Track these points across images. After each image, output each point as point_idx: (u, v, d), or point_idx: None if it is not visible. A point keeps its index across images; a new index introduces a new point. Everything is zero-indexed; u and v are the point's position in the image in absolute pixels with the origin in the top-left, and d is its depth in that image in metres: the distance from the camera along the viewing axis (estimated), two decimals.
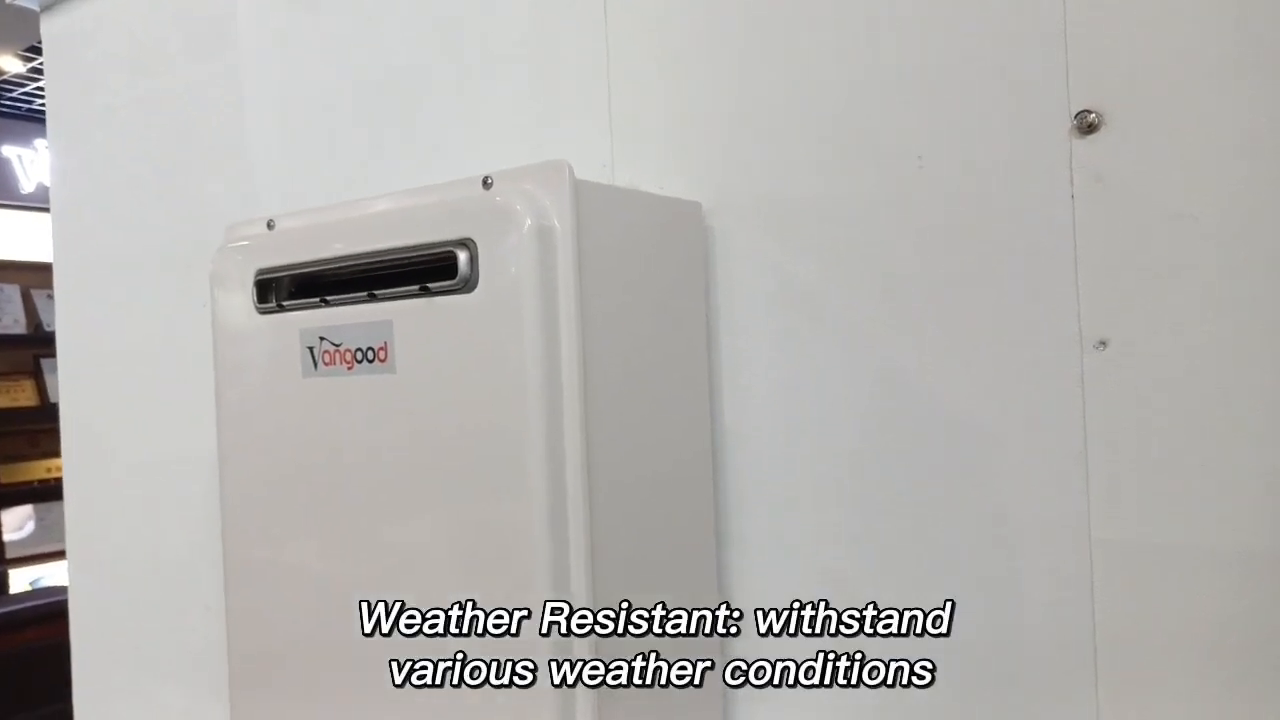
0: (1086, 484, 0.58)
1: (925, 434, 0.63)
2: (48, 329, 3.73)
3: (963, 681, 0.62)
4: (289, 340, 0.69)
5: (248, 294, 0.71)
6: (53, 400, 3.73)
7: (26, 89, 3.36)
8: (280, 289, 0.70)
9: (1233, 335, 0.54)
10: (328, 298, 0.66)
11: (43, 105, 3.59)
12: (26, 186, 3.57)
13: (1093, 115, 0.57)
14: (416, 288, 0.61)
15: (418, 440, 0.62)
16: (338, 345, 0.66)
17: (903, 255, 0.64)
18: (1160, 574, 0.56)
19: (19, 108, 3.53)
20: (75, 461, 1.22)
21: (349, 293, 0.65)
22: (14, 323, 3.64)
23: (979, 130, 0.61)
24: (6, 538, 3.69)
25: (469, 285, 0.59)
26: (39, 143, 3.57)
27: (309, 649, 0.71)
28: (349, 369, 0.65)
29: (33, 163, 3.53)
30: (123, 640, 1.16)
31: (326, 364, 0.67)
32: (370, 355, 0.64)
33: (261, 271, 0.70)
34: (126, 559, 1.15)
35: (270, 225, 0.73)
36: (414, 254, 0.61)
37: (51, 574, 3.65)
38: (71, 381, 1.21)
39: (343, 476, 0.67)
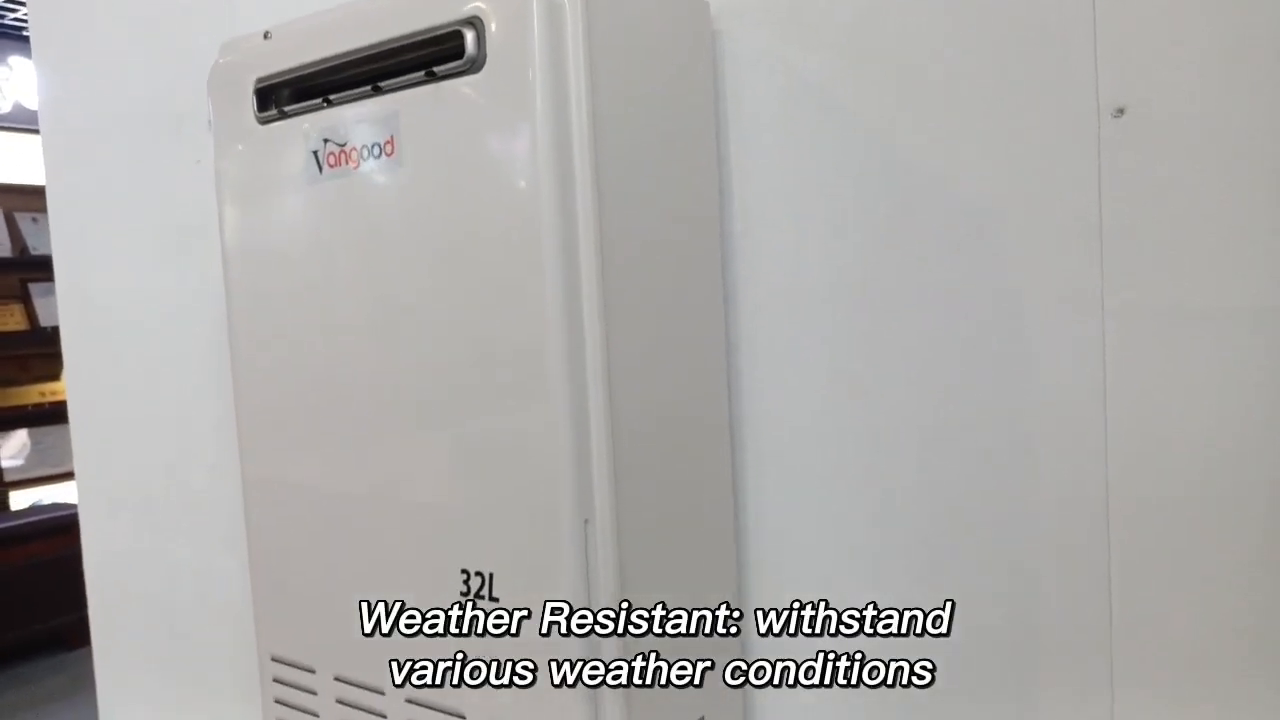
0: (1100, 253, 0.58)
1: (938, 222, 0.63)
2: (34, 253, 3.68)
3: (973, 449, 0.63)
4: (292, 147, 0.67)
5: (248, 105, 0.70)
6: (43, 324, 3.70)
7: None
8: (281, 96, 0.68)
9: (1251, 92, 0.53)
10: (330, 97, 0.65)
11: (16, 21, 3.48)
12: (3, 106, 3.48)
13: None
14: (422, 74, 0.60)
15: (427, 233, 0.62)
16: (342, 145, 0.65)
17: (915, 38, 0.63)
18: (1172, 335, 0.56)
19: None
20: (73, 328, 1.21)
21: (352, 89, 0.64)
22: None
23: None
24: (5, 464, 3.70)
25: (476, 65, 0.58)
26: (14, 60, 3.48)
27: (323, 464, 0.71)
28: (355, 167, 0.64)
29: (8, 80, 3.44)
30: (129, 502, 1.17)
31: (332, 165, 0.66)
32: (376, 150, 0.63)
33: (261, 80, 0.69)
34: (128, 423, 1.15)
35: (267, 35, 0.71)
36: (419, 38, 0.60)
37: (50, 497, 3.66)
38: (66, 249, 1.20)
39: (352, 287, 0.67)
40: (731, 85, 0.70)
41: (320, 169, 0.66)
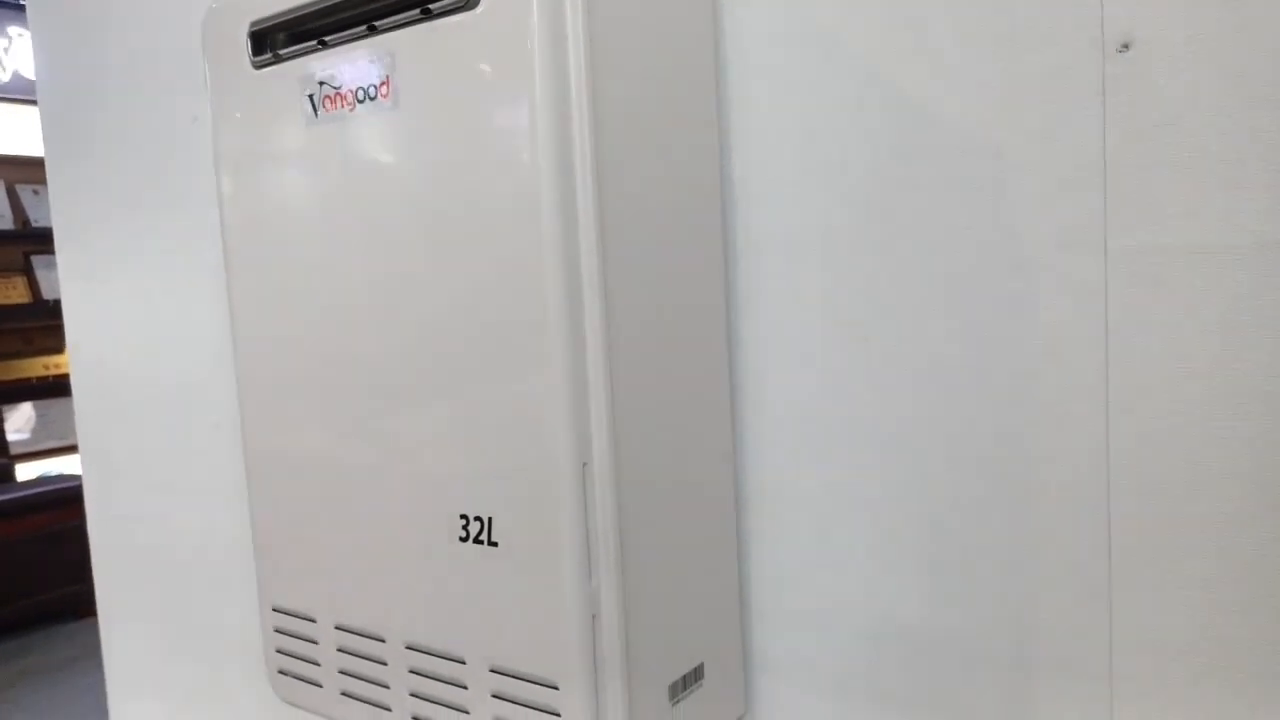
0: (1104, 193, 0.57)
1: (938, 165, 0.62)
2: (36, 225, 3.68)
3: (973, 394, 0.62)
4: (288, 91, 0.67)
5: (242, 50, 0.69)
6: (45, 297, 3.71)
7: None
8: (276, 40, 0.68)
9: (1261, 25, 0.52)
10: (326, 39, 0.64)
11: None
12: (1, 76, 3.47)
13: None
14: (417, 11, 0.59)
15: (423, 175, 0.61)
16: (338, 88, 0.64)
17: None
18: (1175, 274, 0.56)
19: None
20: (74, 297, 1.21)
21: (348, 29, 0.63)
22: (0, 218, 3.59)
23: None
24: (11, 437, 3.72)
25: (470, 1, 0.57)
26: (13, 30, 3.46)
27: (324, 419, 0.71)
28: (350, 110, 0.64)
29: (7, 50, 3.42)
30: (132, 464, 1.17)
31: (328, 110, 0.65)
32: (372, 93, 0.62)
33: (255, 24, 0.68)
34: (129, 382, 1.15)
35: None
36: None
37: (57, 469, 3.68)
38: (65, 220, 1.19)
39: (349, 236, 0.66)
40: (730, 24, 0.69)
41: (316, 113, 0.66)
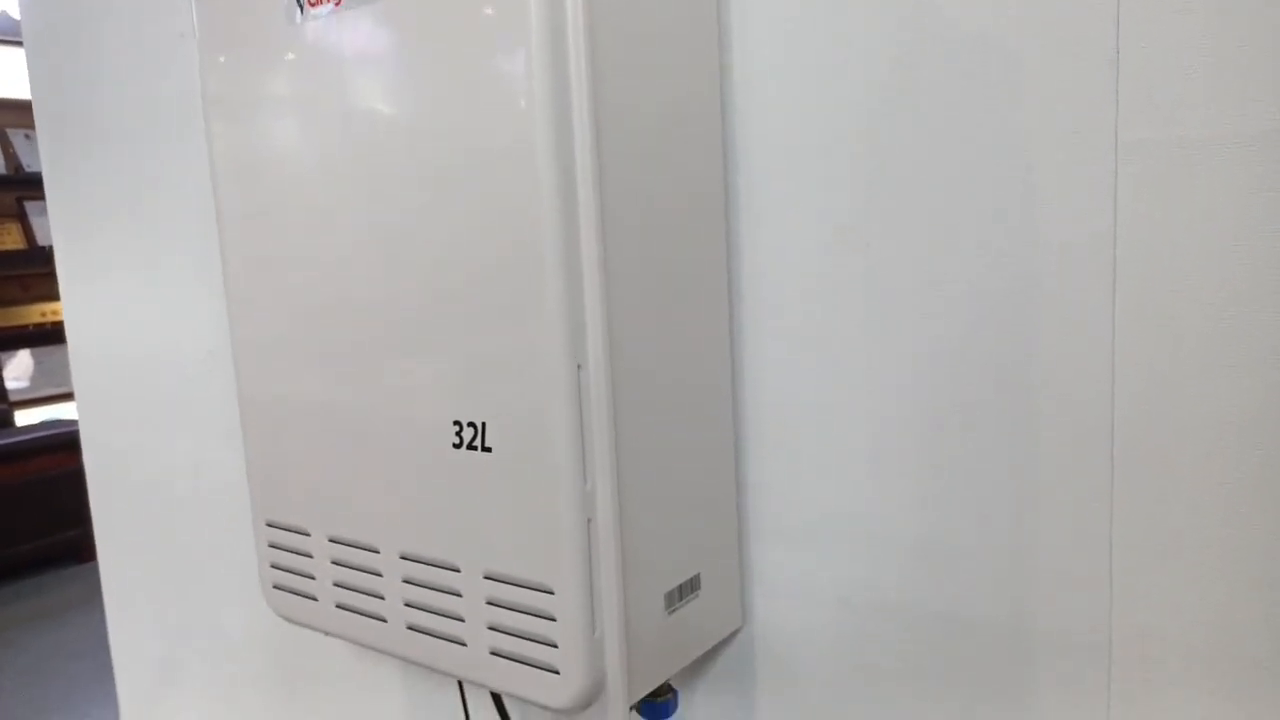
0: (1116, 88, 0.55)
1: (947, 65, 0.60)
2: (29, 170, 3.64)
3: (975, 299, 0.61)
4: None
5: None
6: (40, 244, 3.68)
7: None
8: None
9: None
10: None
11: None
12: None
13: None
14: None
15: (410, 69, 0.59)
16: None
17: None
18: (1185, 171, 0.54)
19: None
20: (65, 237, 1.19)
21: None
22: None
23: None
24: (10, 384, 3.71)
25: None
26: None
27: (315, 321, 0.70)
28: (336, 5, 0.62)
29: None
30: (125, 396, 1.16)
31: (312, 6, 0.63)
32: None
33: None
34: (123, 318, 1.14)
35: None
36: None
37: (59, 415, 3.68)
38: (55, 163, 1.17)
39: (335, 129, 0.64)
40: None
41: (301, 10, 0.64)
